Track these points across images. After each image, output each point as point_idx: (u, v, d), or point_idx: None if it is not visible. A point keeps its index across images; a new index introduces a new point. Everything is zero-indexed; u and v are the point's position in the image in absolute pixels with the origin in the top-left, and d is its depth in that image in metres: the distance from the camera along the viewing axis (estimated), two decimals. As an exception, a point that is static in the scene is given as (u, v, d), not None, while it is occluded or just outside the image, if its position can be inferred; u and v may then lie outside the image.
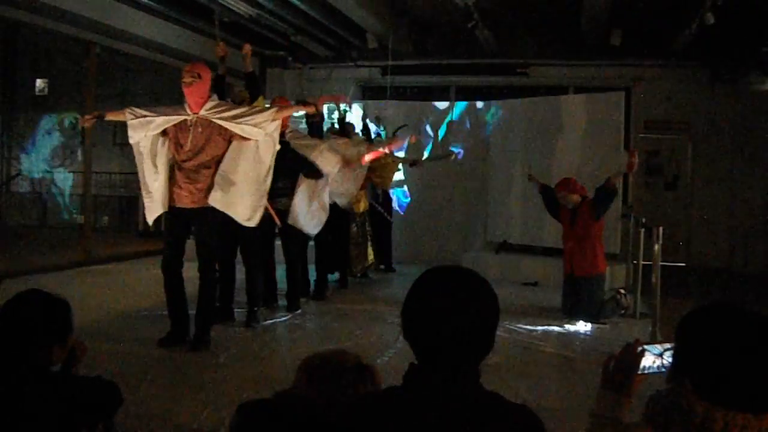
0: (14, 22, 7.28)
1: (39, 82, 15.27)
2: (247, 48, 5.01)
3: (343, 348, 1.84)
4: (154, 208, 4.45)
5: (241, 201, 4.46)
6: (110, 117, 4.63)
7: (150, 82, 13.05)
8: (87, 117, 4.65)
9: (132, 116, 4.42)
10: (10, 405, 1.74)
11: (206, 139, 4.36)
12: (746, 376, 1.15)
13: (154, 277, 6.26)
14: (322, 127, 6.32)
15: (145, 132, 4.41)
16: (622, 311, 5.86)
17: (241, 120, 4.34)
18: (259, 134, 4.38)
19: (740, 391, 1.15)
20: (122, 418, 2.33)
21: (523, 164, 8.41)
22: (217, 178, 4.40)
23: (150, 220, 4.56)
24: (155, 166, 4.43)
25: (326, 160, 5.53)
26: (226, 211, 4.43)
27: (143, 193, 4.52)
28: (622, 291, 5.96)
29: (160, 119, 4.39)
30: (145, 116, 4.40)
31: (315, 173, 5.53)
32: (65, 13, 7.08)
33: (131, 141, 4.50)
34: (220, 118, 4.33)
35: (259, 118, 4.38)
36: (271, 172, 4.56)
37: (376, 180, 7.37)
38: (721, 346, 1.18)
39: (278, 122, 4.56)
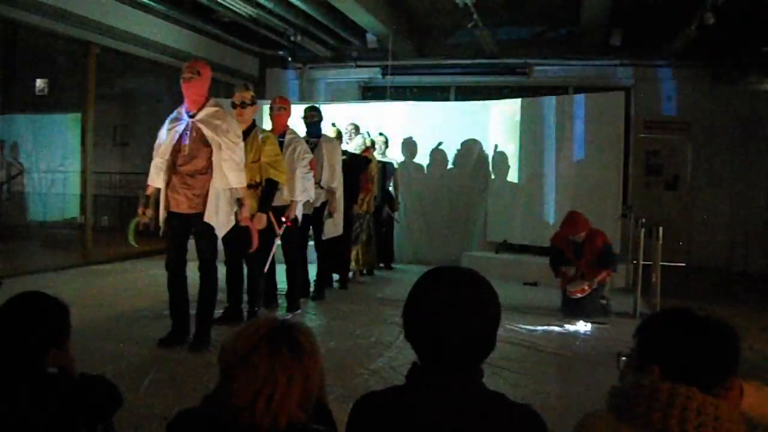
0: (14, 22, 7.26)
1: (39, 82, 15.26)
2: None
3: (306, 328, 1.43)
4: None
5: (213, 209, 4.42)
6: (157, 185, 4.52)
7: (150, 82, 13.04)
8: (144, 215, 4.60)
9: (159, 159, 4.47)
10: (7, 407, 1.74)
11: (198, 147, 4.34)
12: (693, 359, 1.36)
13: (154, 277, 6.27)
14: (320, 127, 6.31)
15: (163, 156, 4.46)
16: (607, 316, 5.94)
17: (226, 153, 4.32)
18: (232, 180, 4.37)
19: (688, 369, 1.34)
20: (122, 418, 2.32)
21: (523, 164, 8.42)
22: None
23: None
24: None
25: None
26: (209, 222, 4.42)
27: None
28: (604, 300, 5.98)
29: (168, 138, 4.41)
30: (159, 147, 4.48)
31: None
32: (65, 13, 7.07)
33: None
34: (209, 131, 4.31)
35: (236, 167, 4.37)
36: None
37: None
38: (674, 336, 1.41)
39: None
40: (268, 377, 1.29)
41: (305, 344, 1.36)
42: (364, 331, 5.12)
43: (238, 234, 5.09)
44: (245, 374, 1.30)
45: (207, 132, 4.30)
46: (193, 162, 4.35)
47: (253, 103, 5.16)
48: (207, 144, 4.33)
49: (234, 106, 5.04)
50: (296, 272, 5.78)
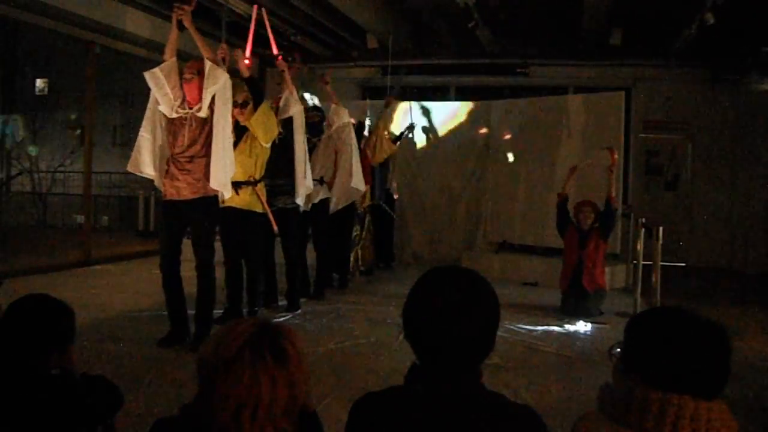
0: (14, 22, 7.27)
1: (39, 82, 15.27)
2: (237, 53, 4.89)
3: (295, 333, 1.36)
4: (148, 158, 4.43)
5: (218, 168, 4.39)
6: (173, 36, 4.40)
7: (150, 82, 13.03)
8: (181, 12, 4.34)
9: (165, 68, 4.36)
10: (8, 407, 1.74)
11: (198, 133, 4.37)
12: (684, 363, 1.29)
13: (154, 277, 6.25)
14: (322, 128, 6.33)
15: (157, 89, 4.37)
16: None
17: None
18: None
19: (679, 375, 1.28)
20: (122, 418, 2.32)
21: (523, 164, 8.42)
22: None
23: (134, 167, 4.46)
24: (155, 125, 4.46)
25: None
26: (222, 188, 4.42)
27: (146, 135, 4.44)
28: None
29: (164, 102, 4.36)
30: (166, 81, 4.35)
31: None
32: (65, 13, 7.07)
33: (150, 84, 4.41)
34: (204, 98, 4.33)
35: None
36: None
37: (367, 152, 7.32)
38: (664, 340, 1.33)
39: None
40: (252, 388, 1.22)
41: (290, 350, 1.28)
42: (364, 331, 5.12)
43: (238, 233, 5.09)
44: (228, 385, 1.23)
45: (205, 99, 4.29)
46: (190, 149, 4.37)
47: (253, 103, 5.16)
48: (203, 130, 4.35)
49: (235, 105, 5.03)
50: (296, 272, 5.79)
